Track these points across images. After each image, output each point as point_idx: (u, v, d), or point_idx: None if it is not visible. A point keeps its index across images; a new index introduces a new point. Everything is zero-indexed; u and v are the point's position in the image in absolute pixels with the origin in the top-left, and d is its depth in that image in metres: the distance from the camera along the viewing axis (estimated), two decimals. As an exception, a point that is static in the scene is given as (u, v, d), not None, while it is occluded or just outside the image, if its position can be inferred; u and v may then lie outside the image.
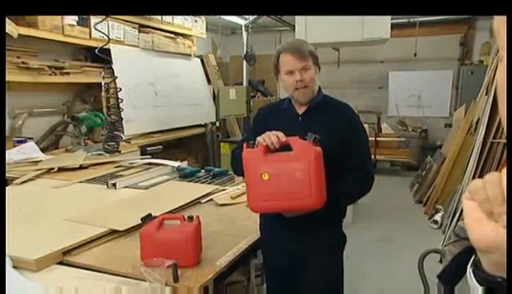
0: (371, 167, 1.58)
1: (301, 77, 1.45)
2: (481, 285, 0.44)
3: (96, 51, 3.19)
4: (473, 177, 3.43)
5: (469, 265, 0.47)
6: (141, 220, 1.33)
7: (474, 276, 0.46)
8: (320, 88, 1.56)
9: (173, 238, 1.27)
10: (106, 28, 3.72)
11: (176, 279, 1.16)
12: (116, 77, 3.61)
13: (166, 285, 1.13)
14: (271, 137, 1.28)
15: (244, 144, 1.35)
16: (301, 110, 1.52)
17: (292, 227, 1.47)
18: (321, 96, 1.54)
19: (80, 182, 2.40)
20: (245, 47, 5.10)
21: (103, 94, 3.55)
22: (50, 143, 3.65)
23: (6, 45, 2.86)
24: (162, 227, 1.30)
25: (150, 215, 1.35)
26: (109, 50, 3.70)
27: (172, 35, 5.00)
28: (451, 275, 0.61)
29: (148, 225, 1.29)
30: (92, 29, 3.64)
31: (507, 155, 0.42)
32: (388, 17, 3.93)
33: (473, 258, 0.46)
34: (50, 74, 3.40)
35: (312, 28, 4.04)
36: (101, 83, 3.51)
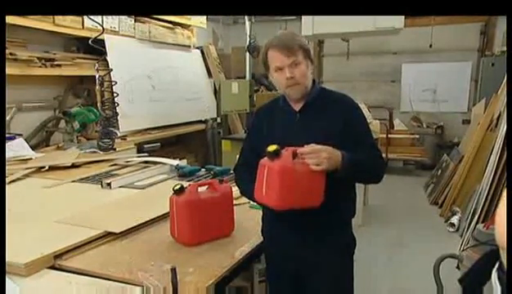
0: (380, 153, 1.56)
1: (291, 74, 1.43)
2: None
3: (90, 41, 3.20)
4: (494, 177, 3.41)
5: (494, 269, 0.47)
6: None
7: (499, 279, 0.46)
8: (314, 81, 1.55)
9: (314, 178, 1.27)
10: (100, 18, 3.73)
11: (175, 285, 1.16)
12: (111, 70, 3.62)
13: (165, 291, 1.13)
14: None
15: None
16: (297, 107, 1.51)
17: (295, 229, 1.46)
18: (317, 90, 1.53)
19: (73, 181, 2.41)
20: (248, 38, 5.08)
21: (97, 87, 3.56)
22: (40, 140, 3.67)
23: (6, 45, 2.86)
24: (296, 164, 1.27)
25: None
26: (103, 40, 3.71)
27: (171, 25, 5.00)
28: (473, 279, 0.60)
29: (280, 159, 1.26)
30: (85, 18, 3.64)
31: (507, 156, 0.42)
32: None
33: (498, 262, 0.46)
34: (40, 66, 3.41)
35: (319, 17, 4.02)
36: (94, 76, 3.52)
